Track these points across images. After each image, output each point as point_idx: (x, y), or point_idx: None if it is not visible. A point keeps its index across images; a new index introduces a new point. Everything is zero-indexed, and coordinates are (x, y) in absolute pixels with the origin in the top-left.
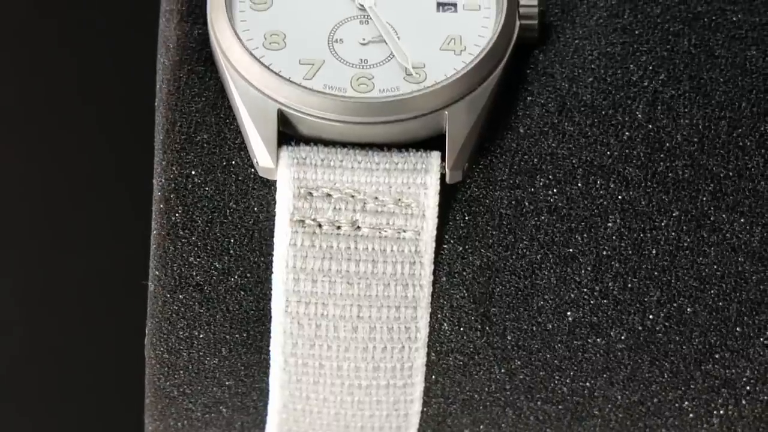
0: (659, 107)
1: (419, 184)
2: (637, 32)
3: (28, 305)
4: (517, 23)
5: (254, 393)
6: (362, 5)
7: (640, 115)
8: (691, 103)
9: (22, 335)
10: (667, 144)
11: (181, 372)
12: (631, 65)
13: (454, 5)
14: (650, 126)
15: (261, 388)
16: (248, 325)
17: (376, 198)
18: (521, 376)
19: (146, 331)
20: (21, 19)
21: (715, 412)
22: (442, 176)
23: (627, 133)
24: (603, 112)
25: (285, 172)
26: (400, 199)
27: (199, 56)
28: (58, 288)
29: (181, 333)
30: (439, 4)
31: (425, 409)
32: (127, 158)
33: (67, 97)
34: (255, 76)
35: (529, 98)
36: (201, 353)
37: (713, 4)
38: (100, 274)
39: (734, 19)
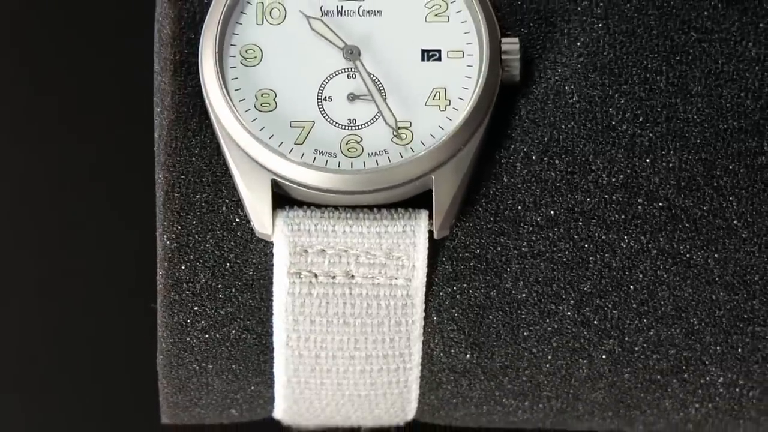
0: (637, 151)
1: (409, 243)
2: (616, 71)
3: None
4: (500, 71)
5: (261, 399)
6: (349, 57)
7: (618, 160)
8: (667, 146)
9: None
10: (645, 187)
11: (193, 392)
12: (611, 109)
13: (438, 52)
14: (629, 171)
15: (267, 396)
16: (252, 356)
17: (368, 253)
18: (509, 387)
19: (157, 360)
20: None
21: (691, 406)
22: (431, 232)
23: (606, 179)
24: (583, 159)
25: (281, 236)
26: (391, 253)
27: (194, 111)
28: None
29: (189, 366)
30: (424, 52)
31: (420, 405)
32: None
33: (68, 101)
34: (248, 145)
35: (512, 146)
36: (210, 379)
37: (690, 34)
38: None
39: (710, 51)
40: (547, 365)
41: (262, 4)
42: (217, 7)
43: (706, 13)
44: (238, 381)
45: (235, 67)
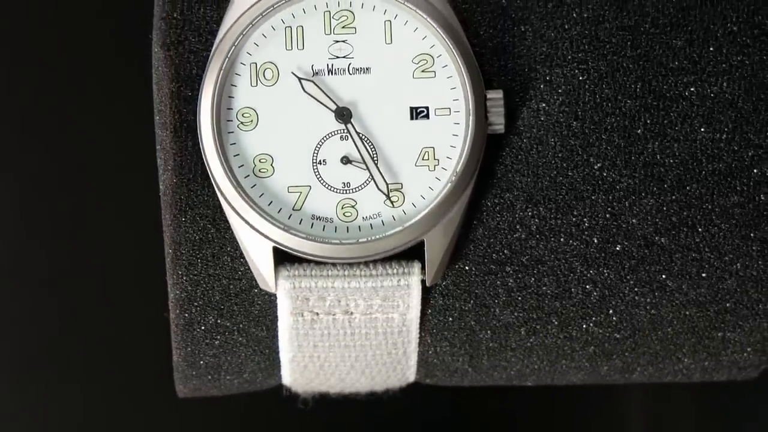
0: (616, 195)
1: (403, 292)
2: (596, 119)
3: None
4: (486, 128)
5: (269, 387)
6: (340, 120)
7: (599, 204)
8: (645, 189)
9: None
10: (624, 228)
11: (207, 390)
12: (591, 158)
13: (426, 109)
14: (608, 215)
15: (276, 386)
16: (260, 369)
17: (365, 298)
18: (497, 378)
19: (174, 374)
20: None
21: (664, 378)
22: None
23: (587, 223)
24: (565, 205)
25: (283, 290)
26: (386, 299)
27: (196, 171)
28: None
29: (203, 377)
30: (412, 110)
31: (415, 384)
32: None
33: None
34: (248, 214)
35: (497, 194)
36: (222, 381)
37: (669, 77)
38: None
39: (686, 93)
40: (533, 365)
41: (256, 64)
42: (212, 70)
43: (682, 53)
44: (249, 381)
45: (232, 132)
